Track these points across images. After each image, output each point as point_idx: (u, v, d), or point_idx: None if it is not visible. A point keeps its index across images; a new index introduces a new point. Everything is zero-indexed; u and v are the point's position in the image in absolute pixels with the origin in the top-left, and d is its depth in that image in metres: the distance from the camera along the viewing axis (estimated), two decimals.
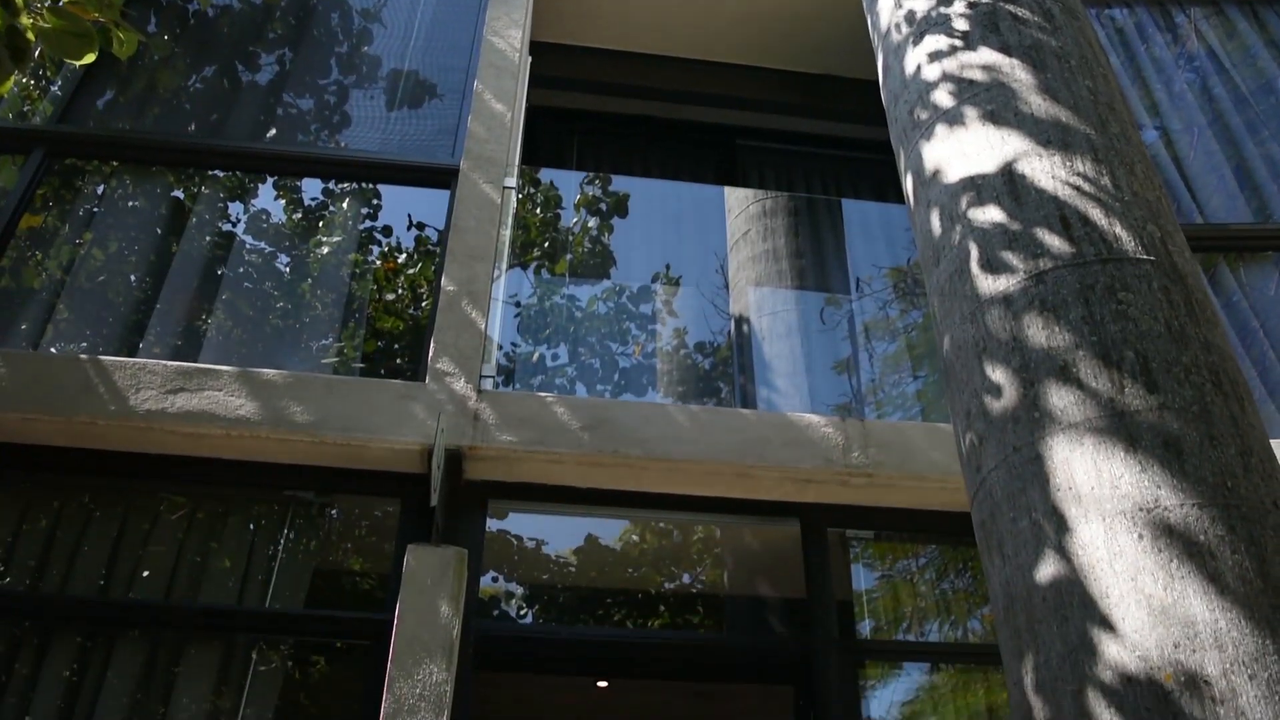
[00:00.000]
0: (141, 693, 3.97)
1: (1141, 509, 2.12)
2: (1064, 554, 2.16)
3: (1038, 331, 2.45)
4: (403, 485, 4.44)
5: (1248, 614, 1.97)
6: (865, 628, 4.65)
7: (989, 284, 2.61)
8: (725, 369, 5.60)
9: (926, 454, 4.61)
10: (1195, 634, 1.96)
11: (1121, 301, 2.43)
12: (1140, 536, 2.09)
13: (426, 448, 4.30)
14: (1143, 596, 2.03)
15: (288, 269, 5.47)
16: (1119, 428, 2.24)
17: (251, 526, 4.43)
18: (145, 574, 4.26)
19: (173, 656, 4.06)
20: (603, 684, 6.24)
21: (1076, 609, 2.09)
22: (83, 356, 4.44)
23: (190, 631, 4.11)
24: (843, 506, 4.66)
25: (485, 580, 4.60)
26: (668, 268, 6.03)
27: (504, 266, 5.27)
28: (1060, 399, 2.33)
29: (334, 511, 4.80)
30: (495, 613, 4.90)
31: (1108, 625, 2.04)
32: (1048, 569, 2.17)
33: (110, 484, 4.46)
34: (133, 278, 5.16)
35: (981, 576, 4.74)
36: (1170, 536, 2.08)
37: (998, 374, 2.47)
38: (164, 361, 4.47)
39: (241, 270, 5.33)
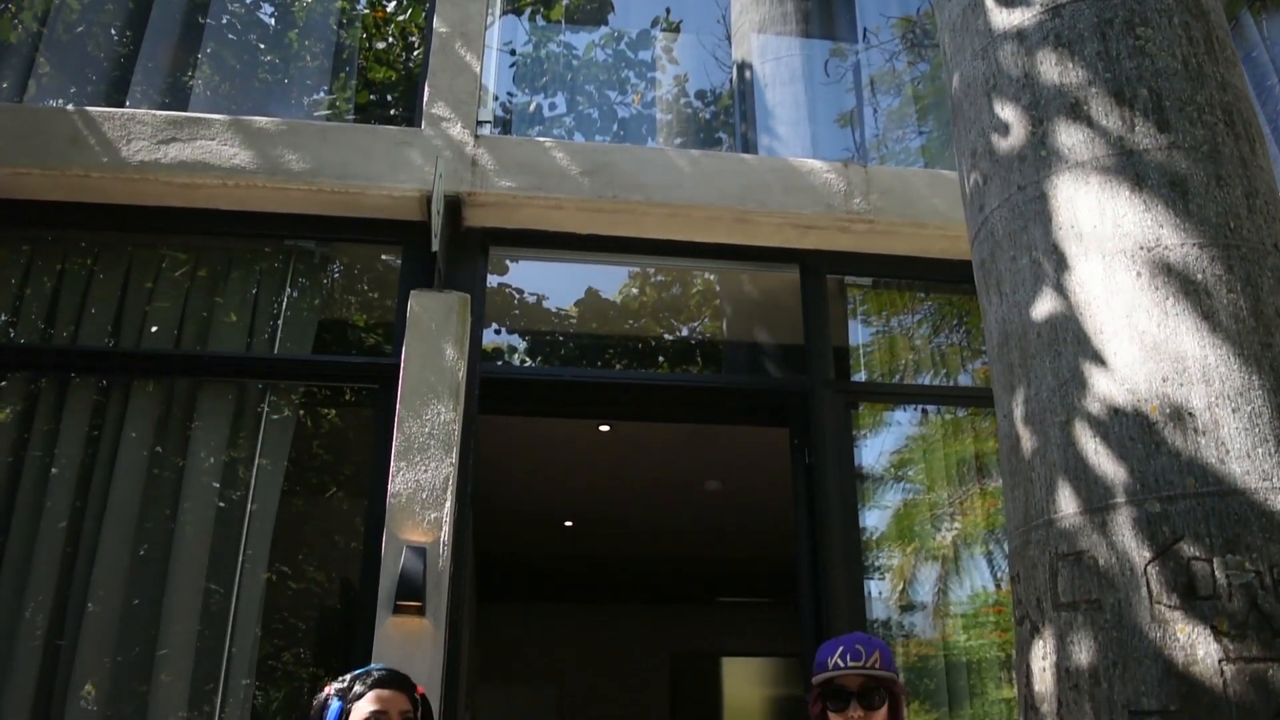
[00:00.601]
0: (160, 445, 4.10)
1: (1142, 247, 2.12)
2: (1062, 291, 2.17)
3: (1050, 68, 2.37)
4: (403, 233, 4.43)
5: (1237, 350, 2.00)
6: (860, 377, 4.76)
7: (1003, 18, 2.51)
8: (727, 118, 5.48)
9: (928, 200, 4.58)
10: (1184, 369, 2.00)
11: (1139, 37, 2.34)
12: (1139, 274, 2.10)
13: (425, 194, 4.27)
14: (1136, 332, 2.06)
15: (272, 19, 5.26)
16: (1126, 166, 2.20)
17: (255, 280, 4.45)
18: (154, 329, 4.31)
19: (187, 408, 4.17)
20: (604, 427, 6.44)
21: (1070, 344, 2.13)
22: (70, 108, 4.33)
23: (202, 380, 4.20)
24: (842, 253, 4.67)
25: (489, 333, 4.66)
26: (668, 11, 5.80)
27: (498, 11, 5.06)
28: (1069, 137, 2.28)
29: (337, 265, 4.82)
30: (499, 362, 5.01)
31: (1099, 360, 2.08)
32: (1044, 306, 2.20)
33: (110, 238, 4.45)
34: (112, 30, 4.97)
35: (975, 331, 4.81)
36: (1168, 275, 2.09)
37: (1007, 111, 2.42)
38: (154, 111, 4.37)
39: (225, 20, 5.13)
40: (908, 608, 4.61)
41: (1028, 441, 2.16)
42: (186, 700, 3.74)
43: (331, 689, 2.42)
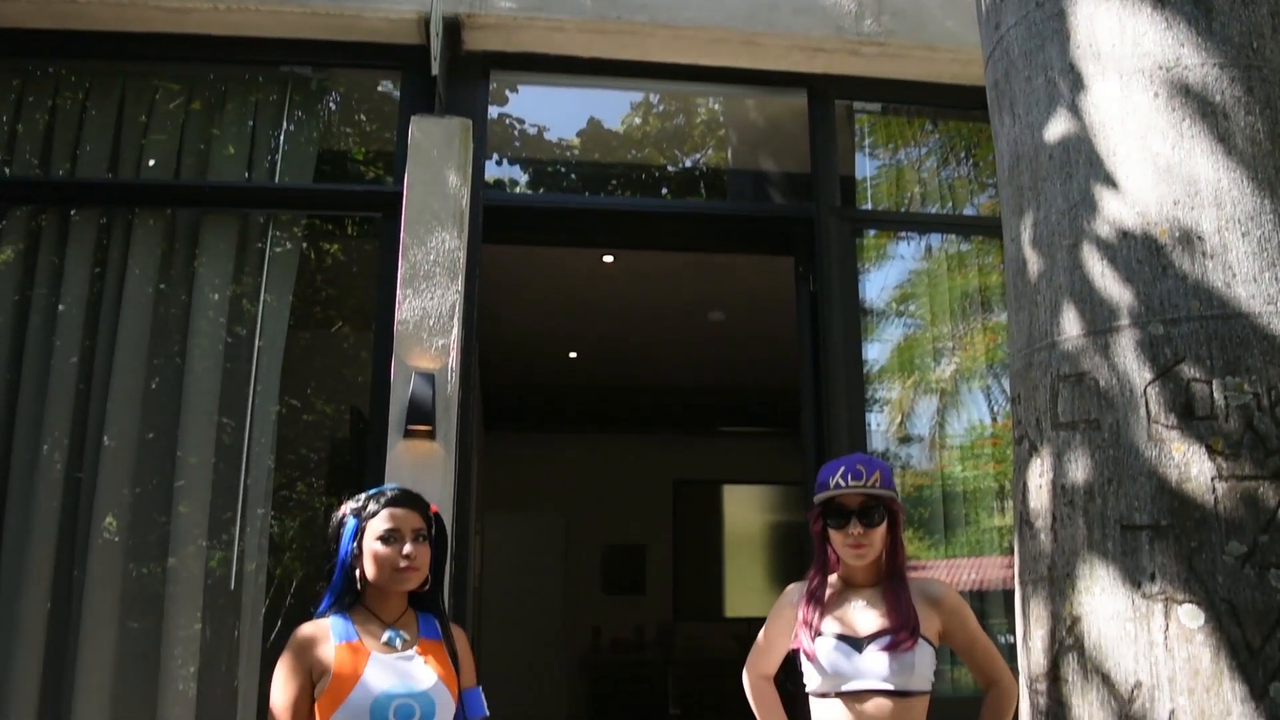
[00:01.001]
0: (164, 281, 4.09)
1: (1161, 67, 2.07)
2: (1076, 112, 2.13)
3: None
4: (401, 57, 4.31)
5: (1251, 174, 1.98)
6: (867, 207, 4.71)
7: None
8: None
9: (941, 23, 4.44)
10: (1196, 192, 1.99)
11: None
12: (1156, 95, 2.06)
13: (423, 15, 4.13)
14: (1149, 154, 2.03)
15: None
16: None
17: (251, 112, 4.34)
18: (151, 163, 4.24)
19: (189, 243, 4.14)
20: (608, 258, 6.43)
21: (1082, 166, 2.10)
22: None
23: (204, 211, 4.16)
24: (852, 77, 4.56)
25: (490, 166, 4.59)
26: None
27: None
28: None
29: (334, 95, 4.71)
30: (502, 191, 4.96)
31: (1111, 182, 2.06)
32: (1058, 127, 2.16)
33: (101, 68, 4.33)
34: None
35: (983, 164, 4.74)
36: (1186, 95, 2.05)
37: None
38: None
39: None
40: (906, 439, 4.70)
41: (1034, 264, 2.16)
42: (206, 530, 3.85)
43: (348, 508, 2.49)
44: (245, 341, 4.07)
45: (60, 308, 3.99)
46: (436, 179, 3.97)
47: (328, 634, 2.38)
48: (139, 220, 4.11)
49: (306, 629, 2.40)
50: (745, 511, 10.82)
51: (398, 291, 3.85)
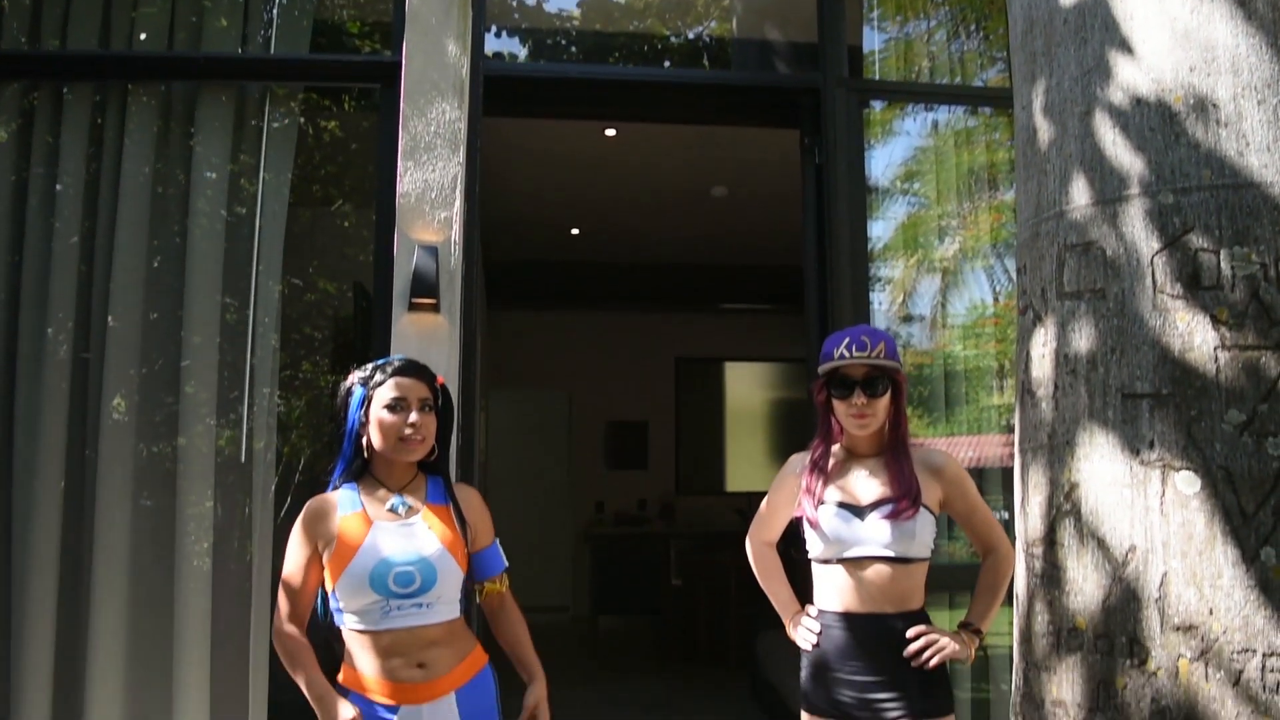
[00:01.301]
0: (161, 160, 4.02)
1: None
2: None
3: None
4: None
5: (1270, 41, 1.94)
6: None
7: None
8: None
9: None
10: (1213, 58, 1.95)
11: None
12: None
13: None
14: (1167, 19, 1.99)
15: None
16: None
17: None
18: (143, 36, 4.13)
19: (185, 121, 4.06)
20: (610, 132, 6.32)
21: (1097, 31, 2.06)
22: None
23: (200, 83, 4.07)
24: None
25: (490, 40, 4.47)
26: None
27: None
28: None
29: None
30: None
31: (1126, 47, 2.01)
32: None
33: None
34: None
35: (993, 38, 4.62)
36: None
37: None
38: None
39: None
40: (908, 318, 4.70)
41: (1045, 133, 2.14)
42: (214, 409, 3.86)
43: (355, 377, 2.51)
44: (246, 220, 4.03)
45: (58, 188, 3.93)
46: (435, 48, 3.88)
47: (335, 506, 2.43)
48: (133, 96, 4.02)
49: (315, 503, 2.46)
50: (747, 388, 10.90)
51: (399, 164, 3.79)
